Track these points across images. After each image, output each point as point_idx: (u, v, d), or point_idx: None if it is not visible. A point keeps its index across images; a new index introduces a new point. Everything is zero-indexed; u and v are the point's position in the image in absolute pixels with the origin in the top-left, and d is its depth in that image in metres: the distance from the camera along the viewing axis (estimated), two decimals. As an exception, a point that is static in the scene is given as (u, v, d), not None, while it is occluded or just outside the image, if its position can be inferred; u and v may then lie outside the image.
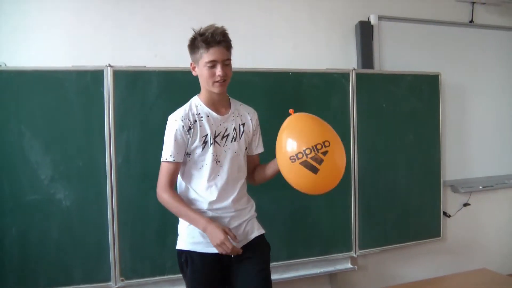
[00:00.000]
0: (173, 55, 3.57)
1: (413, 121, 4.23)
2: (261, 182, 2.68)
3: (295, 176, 2.25)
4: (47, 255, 3.20)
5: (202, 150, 2.41)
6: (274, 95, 3.51)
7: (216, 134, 2.44)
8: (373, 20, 4.27)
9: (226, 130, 2.47)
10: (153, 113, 3.32)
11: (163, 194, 2.40)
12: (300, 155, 2.14)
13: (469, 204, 4.80)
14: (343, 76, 3.89)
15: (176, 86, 3.35)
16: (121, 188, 3.28)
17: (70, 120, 3.21)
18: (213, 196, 2.43)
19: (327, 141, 2.16)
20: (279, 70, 3.67)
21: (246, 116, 2.58)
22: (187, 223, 2.45)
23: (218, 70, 2.31)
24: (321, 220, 3.86)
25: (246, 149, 2.59)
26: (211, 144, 2.41)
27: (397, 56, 4.37)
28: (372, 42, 4.25)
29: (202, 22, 3.59)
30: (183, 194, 2.49)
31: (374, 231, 4.09)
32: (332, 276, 4.12)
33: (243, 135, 2.54)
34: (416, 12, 4.51)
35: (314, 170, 2.14)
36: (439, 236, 4.45)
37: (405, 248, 4.36)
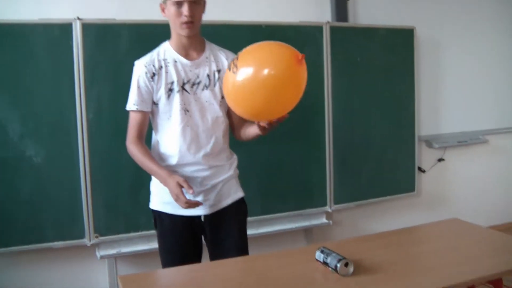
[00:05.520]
0: (143, 7, 3.49)
1: (388, 75, 4.23)
2: (244, 140, 2.47)
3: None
4: (19, 213, 3.17)
5: (168, 98, 2.25)
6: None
7: (185, 81, 2.26)
8: (348, -28, 4.21)
9: (197, 77, 2.28)
10: (123, 67, 3.22)
11: (129, 146, 2.29)
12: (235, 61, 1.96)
13: (443, 159, 4.84)
14: (316, 29, 3.86)
15: (147, 39, 3.21)
16: (93, 144, 3.25)
17: (39, 75, 3.14)
18: (182, 149, 2.27)
19: (237, 68, 1.92)
20: (252, 22, 3.63)
21: (223, 62, 2.34)
22: (157, 181, 2.34)
23: (185, 9, 2.12)
24: (297, 175, 3.87)
25: (223, 98, 2.29)
26: (177, 92, 2.24)
27: (372, 9, 4.34)
28: (347, -6, 4.20)
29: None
30: (155, 149, 2.37)
31: (349, 186, 4.12)
32: (307, 231, 4.16)
33: (218, 82, 2.31)
34: (392, -37, 4.46)
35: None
36: (414, 191, 4.50)
37: (379, 203, 4.41)
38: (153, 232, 3.31)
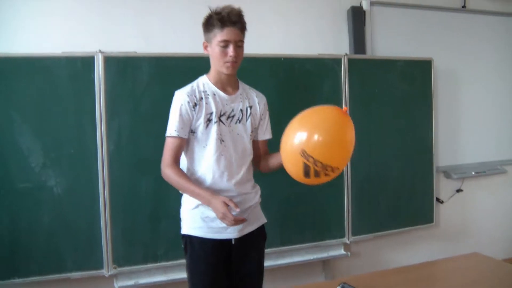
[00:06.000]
0: (164, 40, 3.56)
1: (405, 106, 4.23)
2: (269, 170, 2.66)
3: (291, 163, 2.19)
4: (39, 242, 3.18)
5: (206, 128, 2.40)
6: (266, 80, 3.48)
7: (222, 113, 2.43)
8: (365, 5, 4.25)
9: (232, 110, 2.47)
10: (144, 99, 3.30)
11: (166, 169, 2.37)
12: (310, 159, 2.05)
13: (461, 190, 4.81)
14: (335, 62, 3.88)
15: (167, 72, 3.33)
16: (113, 175, 3.26)
17: (61, 106, 3.18)
18: (216, 176, 2.42)
19: (338, 168, 2.11)
20: (271, 55, 3.66)
21: (254, 99, 2.58)
22: (189, 207, 2.47)
23: (231, 50, 2.32)
24: (314, 206, 3.86)
25: (252, 132, 2.56)
26: (215, 123, 2.40)
27: (389, 41, 4.36)
28: (364, 27, 4.23)
29: (193, 7, 3.61)
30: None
31: (367, 218, 4.10)
32: (325, 262, 4.13)
33: (249, 117, 2.53)
34: (408, -3, 4.50)
35: (307, 175, 2.10)
36: (432, 222, 4.46)
37: (398, 234, 4.38)
38: (171, 263, 3.39)
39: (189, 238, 2.47)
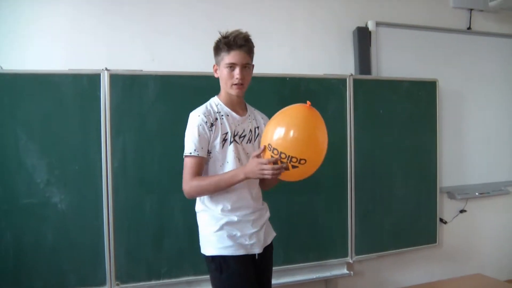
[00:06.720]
0: (169, 59, 3.60)
1: (410, 127, 4.24)
2: (270, 187, 2.70)
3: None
4: (43, 258, 3.19)
5: (222, 147, 2.44)
6: (271, 100, 3.49)
7: (235, 133, 2.48)
8: (371, 26, 4.28)
9: (243, 130, 2.53)
10: (149, 117, 3.32)
11: (190, 183, 2.38)
12: (275, 152, 2.17)
13: (465, 211, 4.79)
14: (340, 82, 3.90)
15: (173, 90, 3.35)
16: (117, 192, 3.27)
17: (67, 123, 3.20)
18: (236, 193, 2.45)
19: (304, 160, 2.16)
20: (277, 75, 3.69)
21: (260, 120, 2.65)
22: (213, 229, 2.46)
23: (237, 73, 2.39)
24: (318, 225, 3.86)
25: None
26: (231, 142, 2.45)
27: (394, 62, 4.38)
28: (370, 48, 4.26)
29: (199, 26, 3.65)
30: (206, 197, 2.50)
31: (370, 237, 4.09)
32: (328, 281, 4.12)
33: (257, 137, 2.59)
34: (414, 18, 4.52)
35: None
36: (435, 242, 4.45)
37: (401, 254, 4.36)
38: (175, 280, 3.41)
39: (222, 259, 2.45)
